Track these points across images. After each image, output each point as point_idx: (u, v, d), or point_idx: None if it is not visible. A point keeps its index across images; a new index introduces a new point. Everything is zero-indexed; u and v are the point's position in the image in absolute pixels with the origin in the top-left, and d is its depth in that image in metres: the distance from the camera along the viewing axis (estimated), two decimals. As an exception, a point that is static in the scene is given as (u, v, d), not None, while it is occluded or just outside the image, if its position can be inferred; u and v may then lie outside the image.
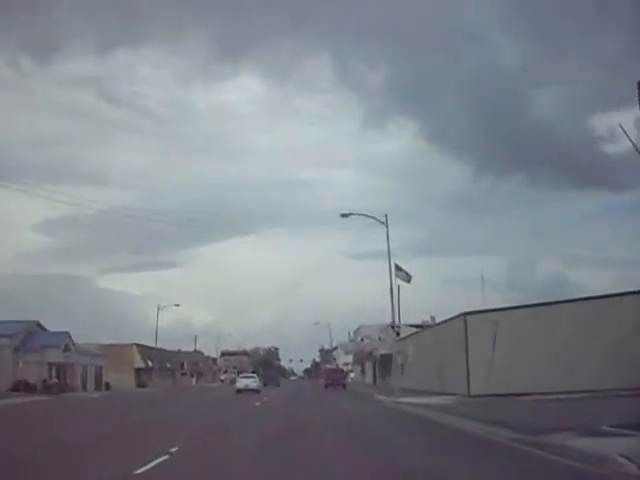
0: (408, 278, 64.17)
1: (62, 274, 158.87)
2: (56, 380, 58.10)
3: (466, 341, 31.57)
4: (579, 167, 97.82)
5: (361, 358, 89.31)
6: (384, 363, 66.46)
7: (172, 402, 36.80)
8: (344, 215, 33.43)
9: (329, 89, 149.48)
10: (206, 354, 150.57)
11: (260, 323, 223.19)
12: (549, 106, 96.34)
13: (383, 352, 61.11)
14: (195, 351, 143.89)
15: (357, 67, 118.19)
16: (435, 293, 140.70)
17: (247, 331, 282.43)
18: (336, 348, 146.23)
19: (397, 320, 34.44)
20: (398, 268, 66.45)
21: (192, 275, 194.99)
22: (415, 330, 56.41)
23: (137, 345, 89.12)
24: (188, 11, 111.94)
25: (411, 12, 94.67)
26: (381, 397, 35.22)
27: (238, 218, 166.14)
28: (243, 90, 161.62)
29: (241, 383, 53.74)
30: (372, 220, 33.98)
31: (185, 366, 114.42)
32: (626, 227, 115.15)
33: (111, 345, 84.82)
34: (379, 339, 69.20)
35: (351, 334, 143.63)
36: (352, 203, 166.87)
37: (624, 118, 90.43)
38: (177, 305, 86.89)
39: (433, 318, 68.71)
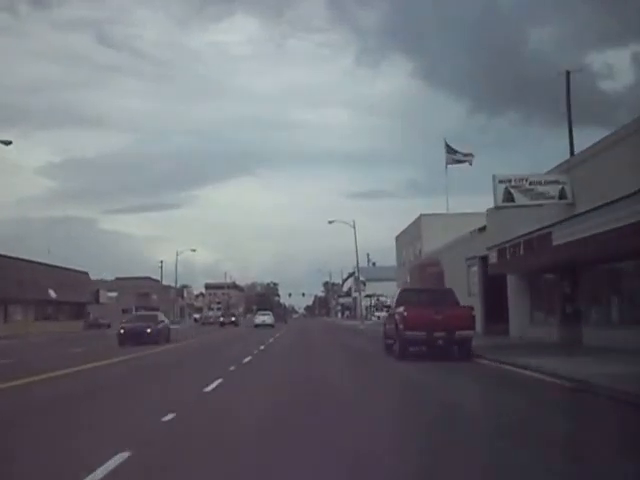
0: (468, 159, 41.58)
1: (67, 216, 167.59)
2: None
3: None
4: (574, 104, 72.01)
5: (426, 277, 36.98)
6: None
7: None
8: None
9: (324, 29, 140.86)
10: (166, 283, 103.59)
11: (260, 260, 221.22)
12: (544, 44, 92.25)
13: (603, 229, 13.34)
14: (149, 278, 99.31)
15: (351, 6, 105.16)
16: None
17: (248, 268, 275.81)
18: (352, 274, 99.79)
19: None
20: (450, 150, 41.42)
21: (192, 215, 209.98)
22: None
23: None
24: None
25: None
26: None
27: (236, 159, 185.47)
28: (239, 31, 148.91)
29: (259, 319, 61.98)
30: None
31: (101, 297, 67.72)
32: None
33: None
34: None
35: (370, 256, 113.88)
36: (348, 141, 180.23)
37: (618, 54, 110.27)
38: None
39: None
